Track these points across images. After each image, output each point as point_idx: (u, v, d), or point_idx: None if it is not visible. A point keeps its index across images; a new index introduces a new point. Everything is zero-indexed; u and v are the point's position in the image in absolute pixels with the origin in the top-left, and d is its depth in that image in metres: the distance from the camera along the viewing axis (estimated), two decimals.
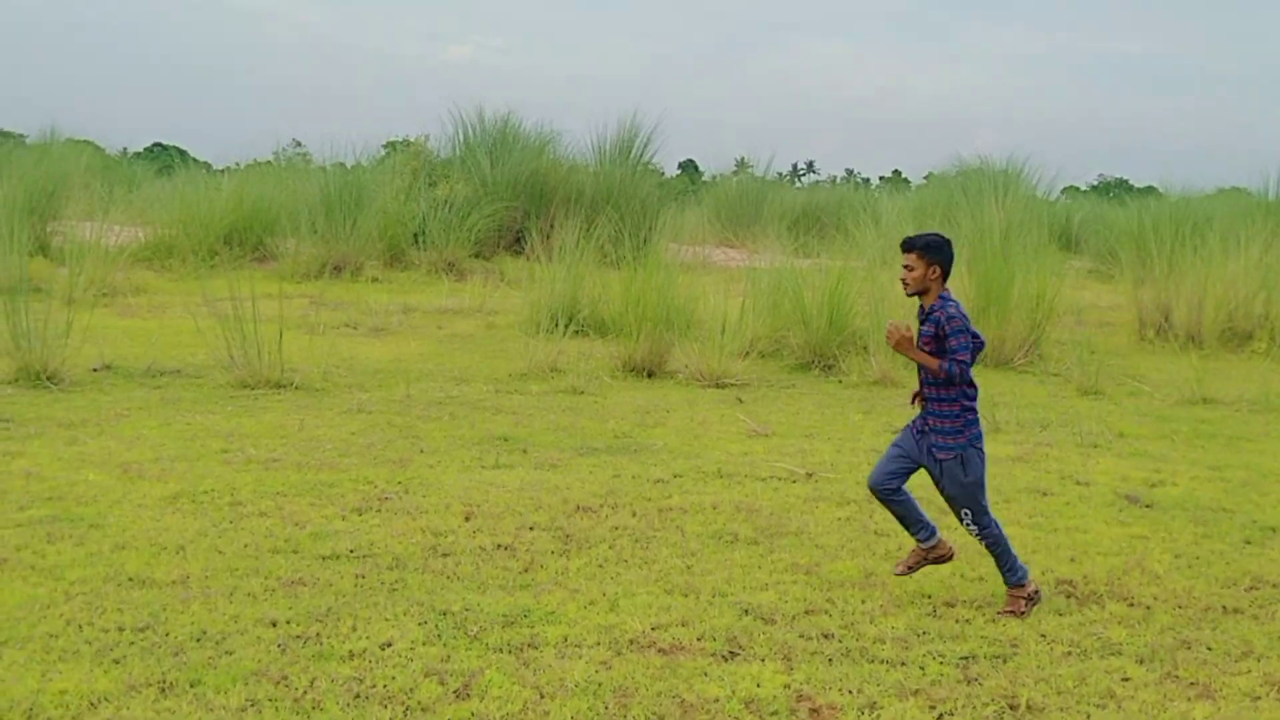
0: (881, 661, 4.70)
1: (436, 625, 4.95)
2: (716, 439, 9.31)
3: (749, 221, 24.55)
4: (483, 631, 4.88)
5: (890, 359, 12.39)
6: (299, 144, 36.58)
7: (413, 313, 15.75)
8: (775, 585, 5.63)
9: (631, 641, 4.83)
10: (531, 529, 6.50)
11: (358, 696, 4.22)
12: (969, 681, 4.52)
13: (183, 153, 44.42)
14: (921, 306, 5.32)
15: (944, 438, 5.26)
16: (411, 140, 23.60)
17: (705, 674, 4.51)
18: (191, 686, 4.24)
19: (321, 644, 4.70)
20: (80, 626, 4.76)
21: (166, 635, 4.73)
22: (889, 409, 10.89)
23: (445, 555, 5.99)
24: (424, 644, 4.74)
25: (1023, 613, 5.25)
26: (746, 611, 5.22)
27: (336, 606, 5.13)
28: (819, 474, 8.00)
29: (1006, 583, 5.34)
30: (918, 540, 5.44)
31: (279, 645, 4.66)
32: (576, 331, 13.67)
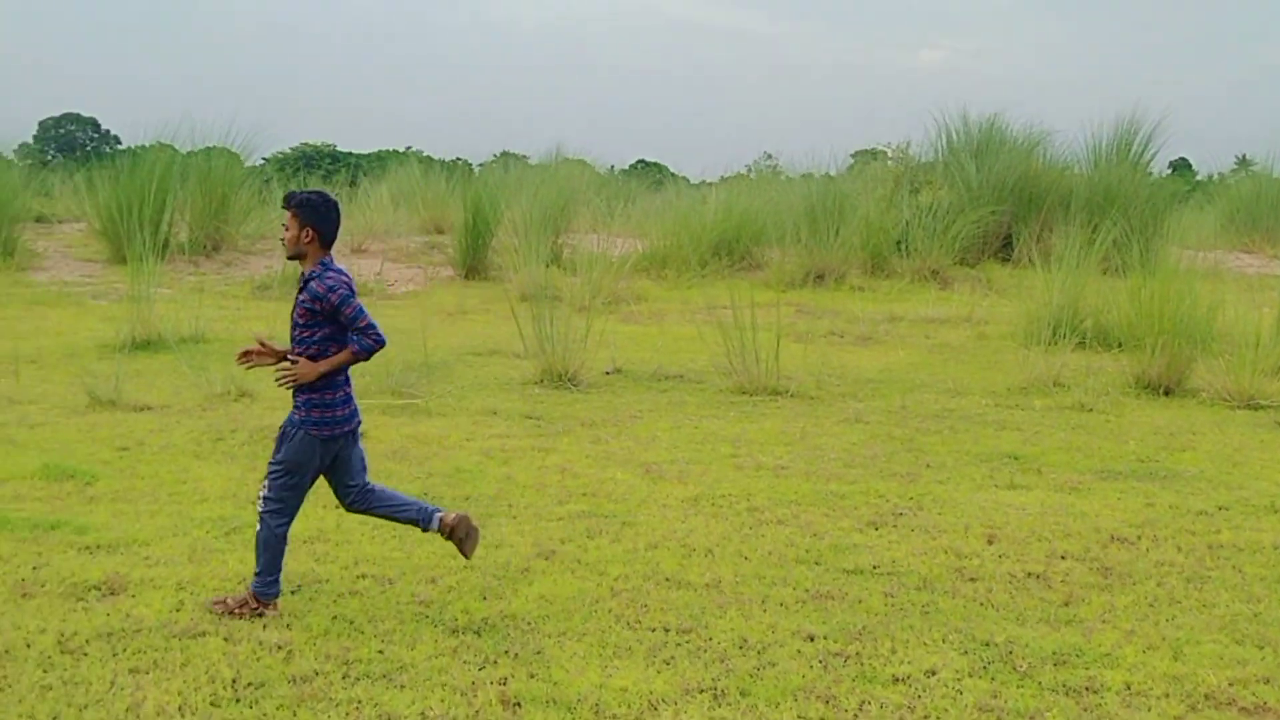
0: None
1: (980, 656, 4.66)
2: (1260, 467, 8.29)
3: (1269, 224, 22.06)
4: (1032, 669, 4.53)
5: None
6: (770, 156, 37.37)
7: (898, 321, 15.48)
8: None
9: (1207, 696, 4.29)
10: (1063, 558, 6.04)
11: None
12: None
13: (663, 168, 46.86)
14: (301, 273, 4.86)
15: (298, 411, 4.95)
16: (889, 147, 23.33)
17: None
18: (742, 696, 4.24)
19: (863, 664, 4.56)
20: (629, 624, 4.93)
21: (709, 640, 4.78)
22: None
23: (973, 580, 5.68)
24: (970, 675, 4.47)
25: (234, 613, 4.90)
26: None
27: (871, 625, 4.98)
28: None
29: (255, 586, 4.95)
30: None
31: (820, 661, 4.57)
32: (1079, 343, 12.80)
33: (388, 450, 8.21)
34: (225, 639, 4.64)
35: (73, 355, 11.82)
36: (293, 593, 5.20)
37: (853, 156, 35.38)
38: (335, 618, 4.93)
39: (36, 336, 12.86)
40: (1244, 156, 43.91)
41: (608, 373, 11.70)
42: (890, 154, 22.24)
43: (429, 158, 35.72)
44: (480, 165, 38.06)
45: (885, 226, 18.86)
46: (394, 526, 6.24)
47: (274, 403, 9.28)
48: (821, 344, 13.57)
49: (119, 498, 6.80)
